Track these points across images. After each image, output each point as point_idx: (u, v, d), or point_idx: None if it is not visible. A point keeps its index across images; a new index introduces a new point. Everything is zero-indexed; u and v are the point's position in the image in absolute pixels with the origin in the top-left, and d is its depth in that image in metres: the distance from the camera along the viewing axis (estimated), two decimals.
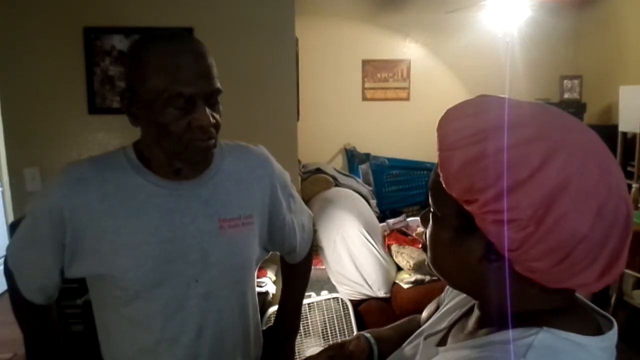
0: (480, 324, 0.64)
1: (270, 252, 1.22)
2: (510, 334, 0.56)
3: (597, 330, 0.58)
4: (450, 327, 0.72)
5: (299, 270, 1.32)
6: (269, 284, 2.38)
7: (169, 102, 0.91)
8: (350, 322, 2.50)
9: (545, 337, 0.54)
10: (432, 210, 0.63)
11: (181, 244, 1.00)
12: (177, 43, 0.93)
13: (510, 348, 0.54)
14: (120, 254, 0.98)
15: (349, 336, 2.44)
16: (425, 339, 0.73)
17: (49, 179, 1.03)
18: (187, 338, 1.04)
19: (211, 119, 0.94)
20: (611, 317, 0.60)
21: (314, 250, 1.65)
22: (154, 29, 1.03)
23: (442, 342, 0.69)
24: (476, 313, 0.66)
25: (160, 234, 0.99)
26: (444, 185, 0.57)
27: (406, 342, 0.80)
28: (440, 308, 0.82)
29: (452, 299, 0.80)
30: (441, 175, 0.57)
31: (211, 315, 1.05)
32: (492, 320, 0.61)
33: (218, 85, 0.96)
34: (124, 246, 0.98)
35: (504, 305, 0.58)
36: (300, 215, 1.24)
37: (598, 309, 0.62)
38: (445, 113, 0.60)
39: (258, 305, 1.21)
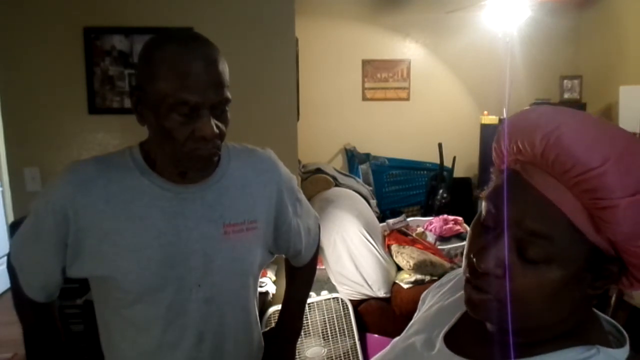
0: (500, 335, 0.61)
1: (275, 256, 1.20)
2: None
3: (607, 338, 0.59)
4: (451, 329, 0.70)
5: (304, 273, 1.30)
6: (269, 284, 2.37)
7: (174, 108, 0.89)
8: (350, 322, 2.49)
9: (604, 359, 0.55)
10: (533, 252, 0.55)
11: (184, 248, 0.99)
12: (190, 47, 0.90)
13: None
14: (123, 256, 0.97)
15: (348, 336, 2.45)
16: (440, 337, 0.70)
17: (53, 178, 1.02)
18: (188, 343, 1.03)
19: (215, 129, 0.91)
20: (621, 328, 0.61)
21: None
22: (154, 29, 1.02)
23: (449, 345, 0.67)
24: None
25: (163, 237, 0.97)
26: (602, 233, 0.53)
27: (398, 339, 0.77)
28: (428, 305, 0.79)
29: (441, 297, 0.78)
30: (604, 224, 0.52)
31: (213, 321, 1.04)
32: (532, 335, 0.59)
33: (227, 94, 0.93)
34: (127, 249, 0.97)
35: (566, 322, 0.58)
36: (307, 218, 1.22)
37: (600, 313, 0.62)
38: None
39: (258, 310, 1.19)
